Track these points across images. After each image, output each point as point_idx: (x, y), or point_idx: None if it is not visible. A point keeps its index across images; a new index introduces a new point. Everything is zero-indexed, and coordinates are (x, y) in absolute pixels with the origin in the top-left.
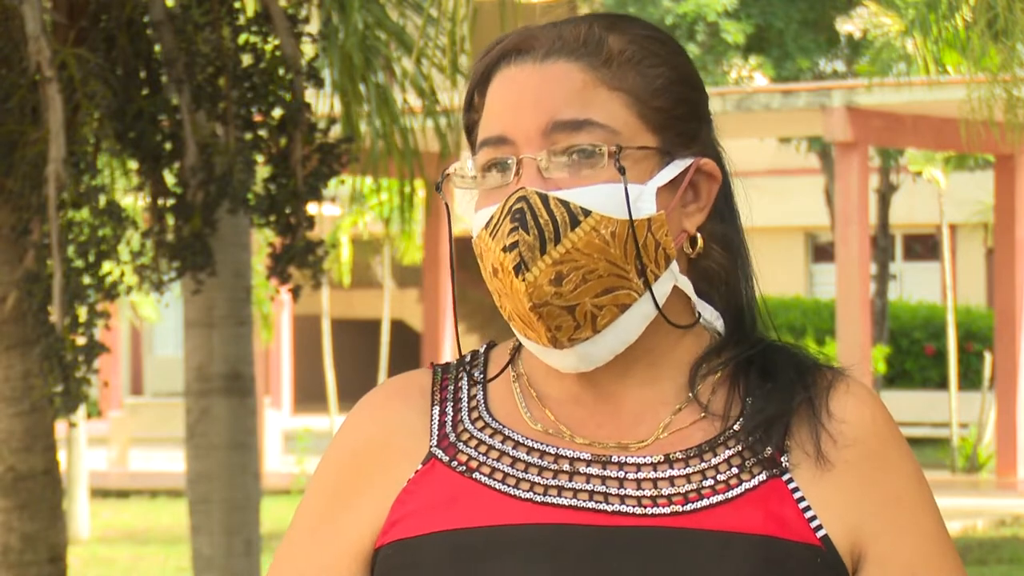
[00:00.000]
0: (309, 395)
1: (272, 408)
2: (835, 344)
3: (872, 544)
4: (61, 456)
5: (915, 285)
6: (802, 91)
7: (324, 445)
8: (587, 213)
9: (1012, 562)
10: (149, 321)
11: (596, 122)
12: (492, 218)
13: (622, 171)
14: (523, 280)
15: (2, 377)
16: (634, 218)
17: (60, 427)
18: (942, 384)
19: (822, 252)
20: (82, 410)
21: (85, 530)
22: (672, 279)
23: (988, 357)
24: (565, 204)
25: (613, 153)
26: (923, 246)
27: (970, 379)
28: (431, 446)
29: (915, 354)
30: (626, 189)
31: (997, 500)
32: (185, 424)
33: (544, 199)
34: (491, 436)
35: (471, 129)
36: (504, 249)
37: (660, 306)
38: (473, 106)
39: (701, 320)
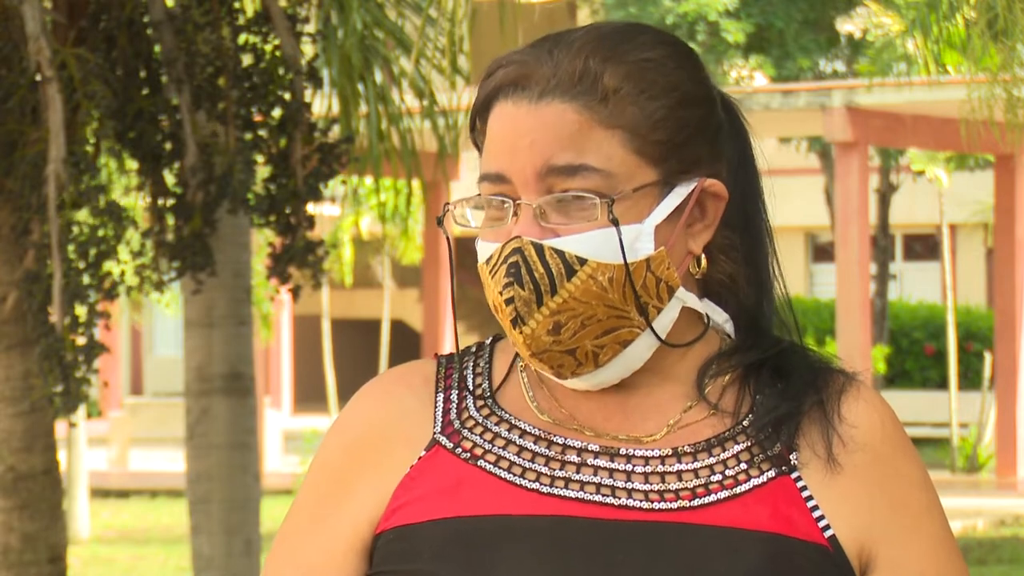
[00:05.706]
0: (309, 395)
1: (272, 408)
2: (835, 344)
3: (883, 550)
4: (61, 456)
5: (915, 285)
6: (802, 91)
7: None
8: (583, 262)
9: (1012, 562)
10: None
11: (591, 166)
12: (491, 258)
13: (615, 222)
14: (520, 332)
15: (2, 377)
16: (633, 260)
17: (60, 427)
18: (942, 384)
19: (822, 252)
20: (82, 410)
21: (85, 530)
22: (678, 305)
23: (988, 357)
24: (560, 254)
25: (606, 203)
26: (923, 246)
27: (970, 379)
28: (435, 432)
29: (915, 354)
30: (620, 240)
31: (997, 500)
32: (185, 424)
33: (539, 249)
34: (497, 424)
35: (479, 146)
36: (501, 294)
37: (664, 337)
38: (476, 128)
39: (711, 325)
